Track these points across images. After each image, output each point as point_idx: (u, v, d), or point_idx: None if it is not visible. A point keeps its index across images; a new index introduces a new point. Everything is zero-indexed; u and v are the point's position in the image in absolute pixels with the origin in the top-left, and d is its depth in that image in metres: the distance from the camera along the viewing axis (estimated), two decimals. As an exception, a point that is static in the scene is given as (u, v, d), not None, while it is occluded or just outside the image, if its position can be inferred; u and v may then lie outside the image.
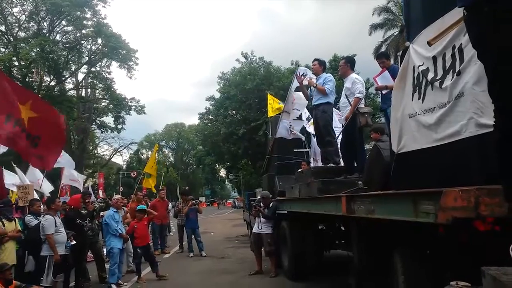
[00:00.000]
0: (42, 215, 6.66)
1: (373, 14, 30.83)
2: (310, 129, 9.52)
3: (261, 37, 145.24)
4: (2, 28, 27.20)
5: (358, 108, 5.72)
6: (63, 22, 28.30)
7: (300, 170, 7.88)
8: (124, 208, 9.42)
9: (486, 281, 1.59)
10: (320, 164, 7.65)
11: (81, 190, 12.36)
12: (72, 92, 32.52)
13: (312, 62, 7.19)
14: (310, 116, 9.27)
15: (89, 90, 34.46)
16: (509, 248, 1.56)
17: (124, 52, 29.31)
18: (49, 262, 6.08)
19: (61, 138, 7.28)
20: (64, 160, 12.23)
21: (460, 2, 1.54)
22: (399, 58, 3.82)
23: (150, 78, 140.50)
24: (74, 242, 6.68)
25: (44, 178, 10.46)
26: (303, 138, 9.89)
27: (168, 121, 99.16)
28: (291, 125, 9.40)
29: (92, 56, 30.09)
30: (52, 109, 7.71)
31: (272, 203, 7.96)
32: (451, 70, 2.81)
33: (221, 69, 35.25)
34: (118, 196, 10.05)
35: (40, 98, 7.66)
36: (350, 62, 6.47)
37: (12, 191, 9.72)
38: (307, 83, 7.21)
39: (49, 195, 10.00)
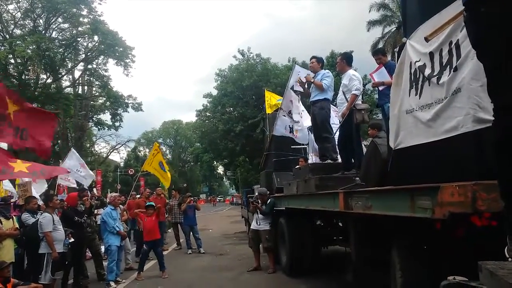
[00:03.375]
0: (39, 213, 6.65)
1: (370, 11, 30.78)
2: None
3: (259, 34, 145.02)
4: (-2, 25, 27.05)
5: (355, 105, 5.72)
6: (59, 19, 28.11)
7: (297, 166, 7.89)
8: (121, 206, 9.43)
9: (483, 275, 1.60)
10: (317, 160, 7.66)
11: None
12: (69, 90, 32.32)
13: (310, 60, 7.22)
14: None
15: (85, 87, 34.31)
16: (505, 249, 1.56)
17: (121, 49, 29.17)
18: (47, 259, 6.08)
19: (48, 129, 7.32)
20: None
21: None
22: (396, 55, 3.83)
23: (149, 77, 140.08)
24: (72, 239, 6.67)
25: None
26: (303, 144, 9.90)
27: (165, 119, 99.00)
28: (291, 126, 9.40)
29: (89, 54, 29.91)
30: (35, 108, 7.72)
31: (269, 200, 7.98)
32: (448, 65, 2.82)
33: (221, 67, 34.81)
34: (116, 193, 10.06)
35: (23, 99, 7.66)
36: (346, 58, 6.46)
37: (6, 190, 9.74)
38: (305, 80, 7.22)
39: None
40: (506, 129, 1.38)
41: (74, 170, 12.44)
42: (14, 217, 6.53)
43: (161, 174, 12.76)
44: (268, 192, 8.33)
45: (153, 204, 8.68)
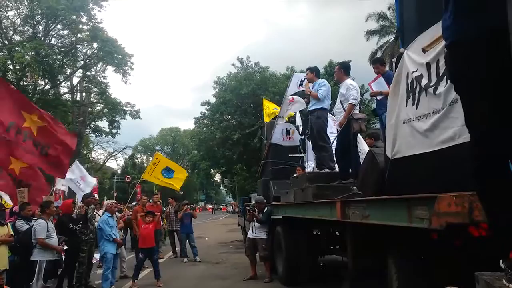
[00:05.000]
0: (34, 220, 6.60)
1: (366, 21, 31.01)
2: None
3: (258, 42, 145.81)
4: (-3, 31, 27.08)
5: (352, 114, 5.73)
6: (59, 26, 28.17)
7: (295, 175, 7.88)
8: (117, 213, 9.39)
9: (480, 286, 1.60)
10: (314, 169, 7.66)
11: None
12: (67, 96, 32.31)
13: (306, 72, 7.30)
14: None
15: (84, 94, 34.30)
16: (500, 261, 1.56)
17: (120, 56, 29.22)
18: (39, 266, 6.01)
19: (68, 148, 7.46)
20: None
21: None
22: (394, 65, 3.85)
23: (147, 84, 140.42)
24: (66, 247, 6.62)
25: None
26: (299, 143, 9.92)
27: (163, 126, 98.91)
28: (288, 128, 9.41)
29: (88, 60, 29.94)
30: (60, 125, 7.90)
31: (266, 208, 7.95)
32: (445, 76, 2.83)
33: (220, 74, 34.82)
34: (112, 201, 10.02)
35: (46, 113, 7.89)
36: (344, 67, 6.50)
37: (1, 197, 9.66)
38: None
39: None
40: (475, 162, 1.44)
41: (75, 182, 12.56)
42: (8, 224, 6.48)
43: (164, 181, 12.48)
44: (265, 200, 8.32)
45: (154, 212, 8.65)
